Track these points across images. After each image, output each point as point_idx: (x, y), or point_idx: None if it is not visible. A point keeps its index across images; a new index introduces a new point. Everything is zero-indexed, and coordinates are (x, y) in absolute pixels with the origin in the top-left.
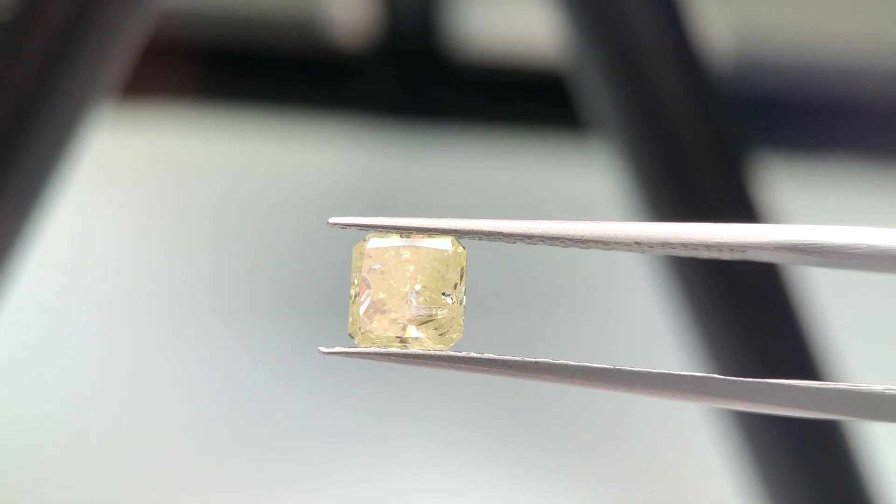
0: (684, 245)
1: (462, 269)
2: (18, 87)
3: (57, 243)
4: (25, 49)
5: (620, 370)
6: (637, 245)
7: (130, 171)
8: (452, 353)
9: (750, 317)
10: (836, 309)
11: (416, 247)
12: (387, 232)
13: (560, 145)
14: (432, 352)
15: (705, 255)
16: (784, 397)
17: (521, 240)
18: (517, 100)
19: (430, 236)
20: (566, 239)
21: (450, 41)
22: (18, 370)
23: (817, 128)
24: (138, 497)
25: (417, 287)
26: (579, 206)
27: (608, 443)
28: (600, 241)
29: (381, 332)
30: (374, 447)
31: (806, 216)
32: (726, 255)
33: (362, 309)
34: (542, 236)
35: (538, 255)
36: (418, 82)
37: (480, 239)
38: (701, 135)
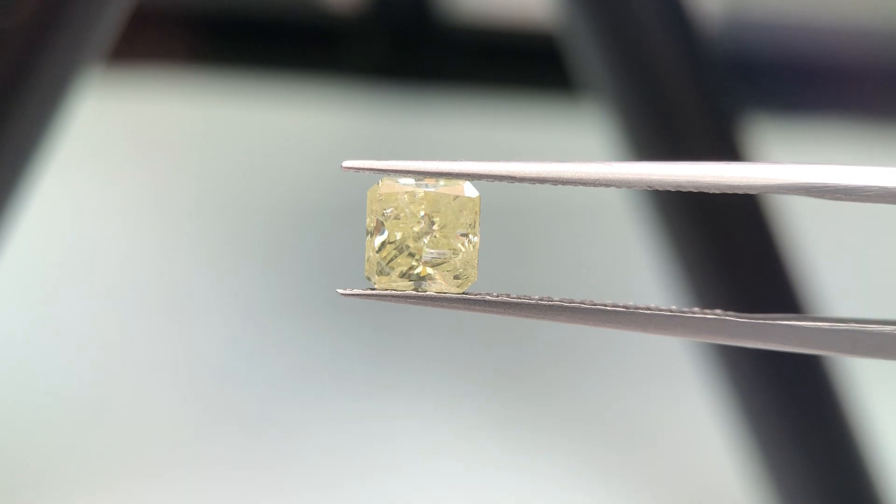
0: (696, 186)
1: (475, 212)
2: (7, 52)
3: (46, 209)
4: (14, 14)
5: (635, 312)
6: (648, 186)
7: (121, 136)
8: (467, 296)
9: (732, 248)
10: (816, 237)
11: (429, 190)
12: (401, 175)
13: (552, 107)
14: (448, 294)
15: (714, 190)
16: (791, 336)
17: (531, 182)
18: (509, 62)
19: (443, 181)
20: (578, 181)
21: (442, 4)
22: (8, 349)
23: (806, 88)
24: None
25: (431, 230)
26: None
27: (613, 420)
28: (613, 182)
29: (395, 274)
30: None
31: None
32: (738, 192)
33: (377, 251)
34: (555, 179)
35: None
36: (411, 45)
37: (492, 182)
38: (691, 96)
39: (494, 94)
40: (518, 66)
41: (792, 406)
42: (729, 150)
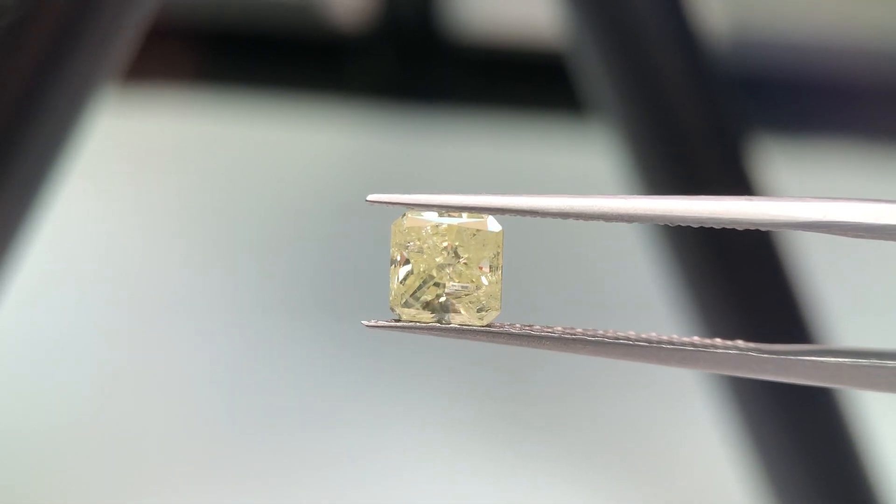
0: (717, 223)
1: (499, 245)
2: (23, 70)
3: (61, 227)
4: (31, 33)
5: (658, 346)
6: (669, 222)
7: (133, 154)
8: (490, 329)
9: (742, 280)
10: (825, 270)
11: (453, 224)
12: (424, 209)
13: (558, 127)
14: (471, 326)
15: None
16: (812, 371)
17: (554, 216)
18: (515, 81)
19: (467, 214)
20: (602, 216)
21: (448, 22)
22: (19, 355)
23: (812, 107)
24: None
25: (455, 263)
26: (578, 187)
27: (611, 429)
28: (635, 218)
29: (419, 306)
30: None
31: (801, 194)
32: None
33: (401, 285)
34: (579, 213)
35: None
36: (417, 63)
37: (515, 216)
38: (699, 115)
39: (500, 111)
40: (524, 84)
41: (793, 414)
42: (736, 169)
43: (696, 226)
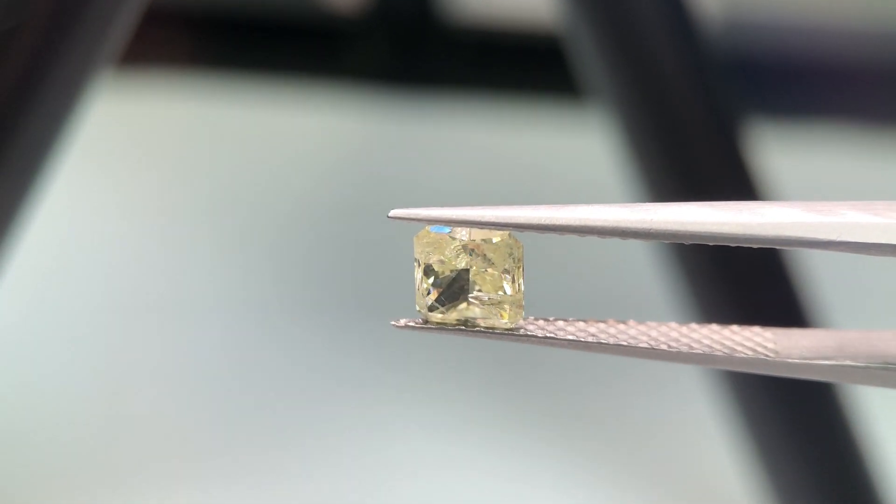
0: (735, 239)
1: (520, 255)
2: (19, 56)
3: (57, 212)
4: (22, 14)
5: (678, 351)
6: (690, 240)
7: (129, 138)
8: (515, 331)
9: (750, 296)
10: (833, 287)
11: (476, 238)
12: (446, 225)
13: (554, 111)
14: (497, 329)
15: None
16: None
17: (573, 233)
18: (511, 65)
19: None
20: (622, 232)
21: (444, 6)
22: (18, 343)
23: (806, 91)
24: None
25: (478, 272)
26: (575, 172)
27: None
28: (664, 235)
29: (444, 317)
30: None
31: (795, 179)
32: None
33: (426, 296)
34: (599, 230)
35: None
36: (413, 48)
37: (538, 232)
38: (693, 99)
39: (497, 96)
40: (521, 68)
41: (794, 412)
42: (730, 153)
43: (712, 244)
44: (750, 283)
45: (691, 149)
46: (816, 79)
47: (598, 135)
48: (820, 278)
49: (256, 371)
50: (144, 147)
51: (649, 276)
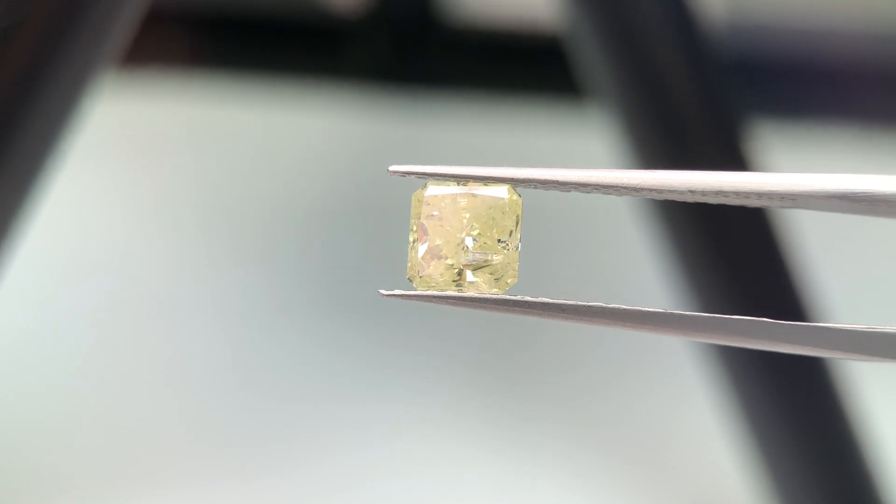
0: (736, 193)
1: (517, 216)
2: (21, 55)
3: (59, 212)
4: (28, 18)
5: (672, 314)
6: (690, 193)
7: (130, 138)
8: (507, 297)
9: (737, 258)
10: (821, 251)
11: (473, 194)
12: (444, 180)
13: (556, 110)
14: (488, 295)
15: (755, 203)
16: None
17: (575, 188)
18: (512, 65)
19: (486, 184)
20: (620, 187)
21: (445, 6)
22: (18, 342)
23: (808, 91)
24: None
25: (473, 233)
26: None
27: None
28: (654, 189)
29: (437, 276)
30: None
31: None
32: (776, 203)
33: (420, 254)
34: (597, 185)
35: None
36: (413, 47)
37: (535, 187)
38: (696, 100)
39: (497, 95)
40: (521, 67)
41: (793, 407)
42: (733, 153)
43: (713, 201)
44: (739, 247)
45: (693, 149)
46: (819, 79)
47: (600, 135)
48: (807, 245)
49: (256, 369)
50: (145, 147)
51: (641, 263)
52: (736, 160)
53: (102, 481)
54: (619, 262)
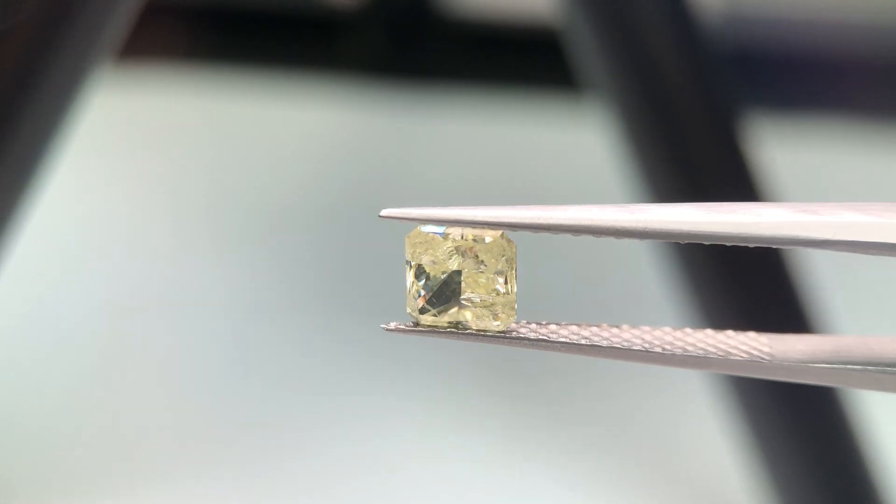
0: (744, 239)
1: (513, 256)
2: (18, 49)
3: (56, 206)
4: (22, 12)
5: (673, 355)
6: (688, 239)
7: (127, 132)
8: (506, 334)
9: (750, 295)
10: (834, 287)
11: (469, 233)
12: (438, 224)
13: (552, 103)
14: (488, 332)
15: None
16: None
17: (568, 232)
18: (509, 57)
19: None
20: (616, 231)
21: None
22: (17, 339)
23: (805, 84)
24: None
25: (470, 273)
26: (572, 165)
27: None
28: (659, 234)
29: (436, 313)
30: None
31: (795, 173)
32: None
33: (417, 299)
34: (593, 229)
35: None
36: (410, 40)
37: (533, 231)
38: (692, 92)
39: (493, 88)
40: (518, 61)
41: (795, 412)
42: (729, 146)
43: (708, 243)
44: (749, 285)
45: (690, 142)
46: (816, 73)
47: (596, 128)
48: (821, 281)
49: (251, 365)
50: (142, 140)
51: (645, 279)
52: (732, 153)
53: (103, 479)
54: (620, 281)
